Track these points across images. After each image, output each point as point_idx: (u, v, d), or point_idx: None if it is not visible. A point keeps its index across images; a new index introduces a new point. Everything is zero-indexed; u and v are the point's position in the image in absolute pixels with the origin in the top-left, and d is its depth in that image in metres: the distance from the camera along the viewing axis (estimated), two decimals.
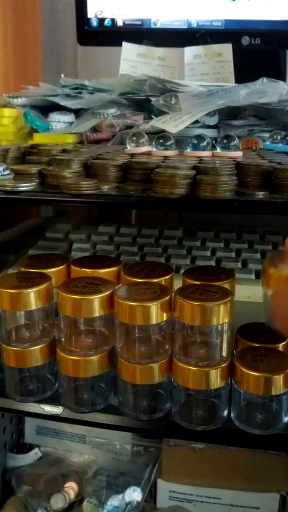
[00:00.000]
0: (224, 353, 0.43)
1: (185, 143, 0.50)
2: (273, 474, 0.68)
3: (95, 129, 0.61)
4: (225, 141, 0.49)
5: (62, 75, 0.67)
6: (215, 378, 0.42)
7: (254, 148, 0.57)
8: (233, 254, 0.62)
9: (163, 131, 0.53)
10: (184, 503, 0.72)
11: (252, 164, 0.42)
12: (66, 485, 0.76)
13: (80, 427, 0.80)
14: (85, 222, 0.84)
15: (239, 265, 0.58)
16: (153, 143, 0.50)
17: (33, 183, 0.43)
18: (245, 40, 0.72)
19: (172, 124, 0.55)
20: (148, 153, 0.50)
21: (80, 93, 0.64)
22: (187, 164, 0.42)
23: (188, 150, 0.50)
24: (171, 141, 0.49)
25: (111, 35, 0.76)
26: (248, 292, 0.50)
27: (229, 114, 0.61)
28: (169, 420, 0.44)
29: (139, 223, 0.76)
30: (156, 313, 0.41)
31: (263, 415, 0.43)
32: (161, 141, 0.49)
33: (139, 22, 0.75)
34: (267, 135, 0.58)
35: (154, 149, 0.50)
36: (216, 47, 0.71)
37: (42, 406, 0.47)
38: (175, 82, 0.62)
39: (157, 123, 0.56)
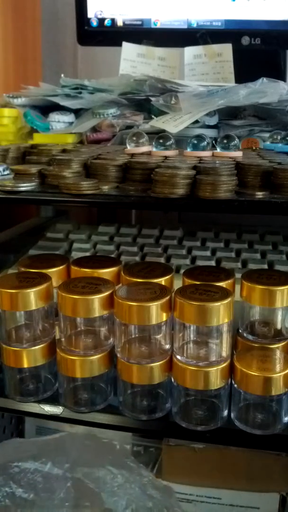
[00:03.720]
0: (224, 353, 0.43)
1: (185, 143, 0.50)
2: (273, 474, 0.68)
3: (95, 129, 0.61)
4: (225, 141, 0.49)
5: (62, 75, 0.67)
6: (215, 378, 0.42)
7: (254, 148, 0.57)
8: (233, 254, 0.62)
9: (163, 131, 0.53)
10: (184, 503, 0.72)
11: (252, 164, 0.42)
12: None
13: (80, 427, 0.80)
14: (85, 222, 0.84)
15: (239, 265, 0.58)
16: (153, 143, 0.50)
17: (33, 183, 0.43)
18: (245, 40, 0.72)
19: (172, 124, 0.55)
20: (148, 153, 0.50)
21: (80, 93, 0.64)
22: (187, 164, 0.42)
23: (188, 150, 0.50)
24: (171, 141, 0.49)
25: (111, 35, 0.76)
26: None
27: (229, 114, 0.61)
28: (169, 420, 0.44)
29: (139, 223, 0.76)
30: (156, 313, 0.41)
31: (263, 415, 0.43)
32: (161, 141, 0.49)
33: (139, 22, 0.75)
34: (267, 135, 0.58)
35: (154, 149, 0.50)
36: (216, 47, 0.71)
37: (42, 406, 0.47)
38: (175, 82, 0.62)
39: (157, 123, 0.56)
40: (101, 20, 0.76)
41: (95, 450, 0.63)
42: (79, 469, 0.60)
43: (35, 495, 0.58)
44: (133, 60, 0.73)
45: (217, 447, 0.69)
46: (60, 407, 0.46)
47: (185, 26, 0.74)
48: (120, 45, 0.73)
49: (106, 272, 0.48)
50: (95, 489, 0.58)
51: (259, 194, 0.39)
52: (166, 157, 0.47)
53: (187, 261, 0.60)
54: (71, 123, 0.63)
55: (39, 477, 0.59)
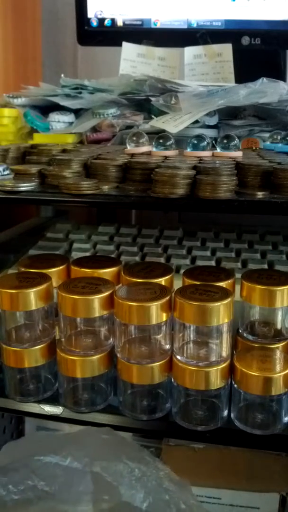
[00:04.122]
0: (224, 353, 0.43)
1: (185, 143, 0.50)
2: (273, 474, 0.68)
3: (95, 129, 0.61)
4: (225, 141, 0.49)
5: (62, 75, 0.67)
6: (215, 378, 0.42)
7: (254, 148, 0.57)
8: (233, 254, 0.62)
9: (163, 131, 0.53)
10: None
11: (252, 164, 0.42)
12: None
13: (80, 427, 0.79)
14: (85, 222, 0.84)
15: (239, 265, 0.58)
16: (153, 143, 0.50)
17: (33, 183, 0.43)
18: (245, 40, 0.72)
19: (172, 124, 0.55)
20: (148, 153, 0.50)
21: (80, 93, 0.64)
22: (187, 164, 0.42)
23: (188, 150, 0.50)
24: (171, 141, 0.49)
25: (111, 35, 0.76)
26: None
27: (229, 114, 0.61)
28: (169, 420, 0.44)
29: (139, 223, 0.76)
30: (156, 313, 0.41)
31: (263, 415, 0.43)
32: (161, 141, 0.49)
33: (139, 22, 0.75)
34: (267, 135, 0.58)
35: (154, 149, 0.50)
36: (216, 47, 0.71)
37: (42, 406, 0.47)
38: (175, 82, 0.62)
39: (157, 123, 0.56)
40: (101, 20, 0.76)
41: (112, 444, 0.64)
42: (97, 463, 0.60)
43: (56, 488, 0.58)
44: (133, 60, 0.73)
45: (217, 447, 0.69)
46: (60, 407, 0.46)
47: (185, 26, 0.74)
48: (120, 45, 0.73)
49: (106, 272, 0.48)
50: (113, 483, 0.59)
51: (259, 194, 0.39)
52: (166, 157, 0.47)
53: (187, 261, 0.60)
54: (71, 123, 0.63)
55: (59, 470, 0.60)
